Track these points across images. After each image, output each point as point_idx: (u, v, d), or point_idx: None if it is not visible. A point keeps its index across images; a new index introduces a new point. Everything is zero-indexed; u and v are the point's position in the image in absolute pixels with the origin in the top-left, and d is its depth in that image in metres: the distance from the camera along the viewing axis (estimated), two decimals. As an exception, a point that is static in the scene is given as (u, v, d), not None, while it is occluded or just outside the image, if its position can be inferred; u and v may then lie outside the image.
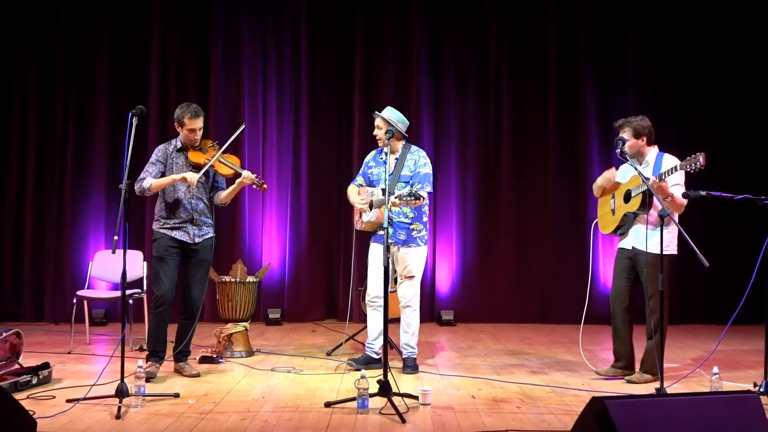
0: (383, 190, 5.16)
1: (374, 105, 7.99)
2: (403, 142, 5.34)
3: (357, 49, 8.18)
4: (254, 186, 5.07)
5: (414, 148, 5.37)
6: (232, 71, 8.10)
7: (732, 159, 8.07)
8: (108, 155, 7.95)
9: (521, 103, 8.26)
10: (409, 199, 4.75)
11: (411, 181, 5.17)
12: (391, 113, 5.27)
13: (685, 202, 4.76)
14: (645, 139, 4.90)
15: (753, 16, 8.20)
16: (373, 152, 5.54)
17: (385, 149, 4.96)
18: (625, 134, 4.87)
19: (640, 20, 8.22)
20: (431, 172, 5.31)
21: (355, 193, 5.44)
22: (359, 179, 5.51)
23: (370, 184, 5.42)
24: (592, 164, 8.14)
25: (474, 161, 8.22)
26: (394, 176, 5.21)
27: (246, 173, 5.01)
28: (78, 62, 8.03)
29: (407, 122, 5.34)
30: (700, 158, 4.35)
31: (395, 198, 4.82)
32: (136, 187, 4.89)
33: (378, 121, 5.28)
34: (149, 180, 4.91)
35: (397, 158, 5.29)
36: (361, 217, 5.35)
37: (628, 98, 8.16)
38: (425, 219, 5.33)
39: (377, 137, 5.31)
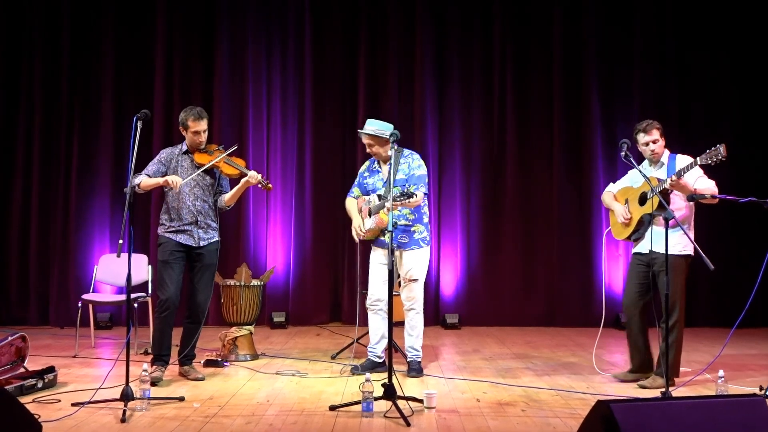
0: (379, 196, 5.16)
1: (379, 108, 8.03)
2: (394, 147, 5.32)
3: (361, 52, 8.18)
4: (260, 186, 5.06)
5: (407, 151, 5.35)
6: (237, 75, 8.11)
7: (740, 160, 8.02)
8: (113, 159, 7.96)
9: (526, 105, 8.25)
10: (402, 199, 4.73)
11: (407, 184, 5.16)
12: (373, 125, 5.24)
13: (715, 191, 4.72)
14: (664, 139, 4.96)
15: (761, 16, 8.19)
16: (368, 162, 5.53)
17: (390, 152, 4.97)
18: (656, 134, 4.91)
19: (647, 21, 8.20)
20: (426, 173, 5.30)
21: (354, 206, 5.42)
22: (355, 190, 5.49)
23: (366, 193, 5.41)
24: (596, 167, 8.12)
25: (478, 163, 8.21)
26: (389, 182, 5.17)
27: (251, 173, 5.02)
28: (83, 67, 8.05)
29: (391, 126, 5.28)
30: (721, 149, 4.35)
31: (389, 203, 4.82)
32: (130, 181, 4.90)
33: (365, 139, 5.25)
34: (140, 177, 4.89)
35: (390, 164, 5.27)
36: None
37: (634, 100, 8.14)
38: (426, 220, 5.33)
39: (372, 152, 5.29)
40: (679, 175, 4.60)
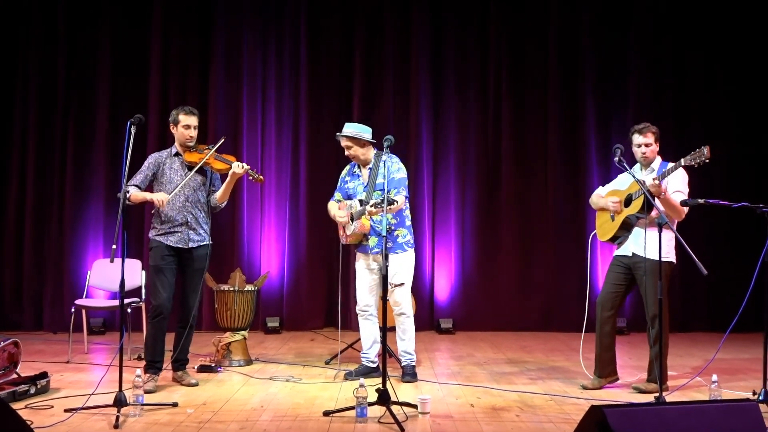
0: (360, 201, 5.17)
1: (374, 112, 8.04)
2: (374, 152, 5.33)
3: (356, 56, 8.18)
4: (250, 178, 5.03)
5: (385, 155, 5.35)
6: (232, 79, 8.11)
7: (734, 164, 8.07)
8: (107, 164, 7.94)
9: (521, 109, 8.25)
10: (382, 206, 4.73)
11: (387, 188, 5.15)
12: (351, 128, 5.27)
13: (683, 208, 4.74)
14: (658, 145, 4.93)
15: (757, 19, 8.23)
16: (348, 167, 5.55)
17: (371, 155, 4.95)
18: (650, 138, 4.88)
19: (642, 25, 8.23)
20: (405, 176, 5.30)
21: (336, 208, 5.44)
22: (337, 195, 5.51)
23: (348, 198, 5.42)
24: (591, 171, 8.15)
25: (473, 167, 8.21)
26: (369, 187, 5.20)
27: (236, 163, 4.99)
28: (78, 71, 8.03)
29: (370, 129, 5.31)
30: (705, 150, 4.38)
31: (371, 207, 4.83)
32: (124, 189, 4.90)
33: (344, 142, 5.26)
34: (131, 189, 4.90)
35: (370, 168, 5.30)
36: (345, 231, 5.35)
37: (629, 106, 8.16)
38: (408, 223, 5.33)
39: (351, 156, 5.31)
40: (664, 176, 4.59)
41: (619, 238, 4.95)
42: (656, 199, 4.60)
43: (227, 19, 8.12)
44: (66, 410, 4.21)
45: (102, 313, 7.58)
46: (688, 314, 8.05)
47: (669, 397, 4.46)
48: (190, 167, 5.01)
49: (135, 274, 6.54)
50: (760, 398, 4.40)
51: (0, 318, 7.86)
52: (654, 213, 4.63)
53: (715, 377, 4.38)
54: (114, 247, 4.20)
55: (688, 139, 7.88)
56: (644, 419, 3.08)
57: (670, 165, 4.71)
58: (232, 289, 5.97)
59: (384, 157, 5.27)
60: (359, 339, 5.57)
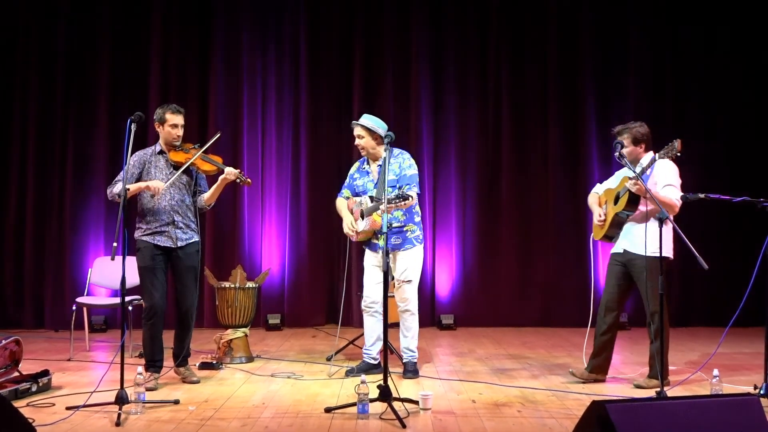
0: (371, 198, 5.15)
1: (374, 110, 8.00)
2: (384, 147, 5.29)
3: (356, 55, 8.18)
4: (238, 181, 4.99)
5: (396, 151, 5.31)
6: (232, 78, 8.11)
7: (734, 158, 8.08)
8: (108, 162, 7.93)
9: (521, 106, 8.25)
10: (398, 201, 4.71)
11: (398, 184, 5.11)
12: (369, 120, 5.24)
13: (675, 203, 4.67)
14: (643, 146, 4.86)
15: (757, 19, 8.24)
16: (357, 163, 5.51)
17: (384, 153, 4.93)
18: (624, 141, 4.83)
19: (642, 23, 8.23)
20: (417, 172, 5.27)
21: (345, 206, 5.40)
22: (345, 192, 5.47)
23: (356, 195, 5.38)
24: (592, 168, 8.14)
25: (474, 165, 8.21)
26: (380, 184, 5.15)
27: (228, 168, 4.96)
28: (78, 70, 8.03)
29: (386, 126, 5.27)
30: (676, 144, 4.38)
31: (386, 205, 4.81)
32: (108, 192, 4.88)
33: (358, 131, 5.23)
34: (119, 185, 4.77)
35: (380, 164, 5.25)
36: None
37: (629, 103, 8.15)
38: (417, 219, 5.32)
39: (359, 147, 5.28)
40: (638, 176, 4.54)
41: (611, 237, 4.96)
42: (632, 193, 4.62)
43: (227, 14, 8.11)
44: (68, 408, 4.21)
45: (103, 310, 7.58)
46: (688, 309, 8.05)
47: (670, 392, 4.46)
48: (175, 167, 4.96)
49: (136, 271, 6.52)
50: (762, 392, 4.40)
51: (1, 316, 7.86)
52: (643, 208, 4.63)
53: (716, 372, 4.38)
54: (115, 245, 4.20)
55: (688, 133, 7.83)
56: (646, 414, 3.08)
57: (659, 164, 4.69)
58: (233, 286, 5.97)
59: (396, 153, 5.27)
60: (361, 335, 5.57)
